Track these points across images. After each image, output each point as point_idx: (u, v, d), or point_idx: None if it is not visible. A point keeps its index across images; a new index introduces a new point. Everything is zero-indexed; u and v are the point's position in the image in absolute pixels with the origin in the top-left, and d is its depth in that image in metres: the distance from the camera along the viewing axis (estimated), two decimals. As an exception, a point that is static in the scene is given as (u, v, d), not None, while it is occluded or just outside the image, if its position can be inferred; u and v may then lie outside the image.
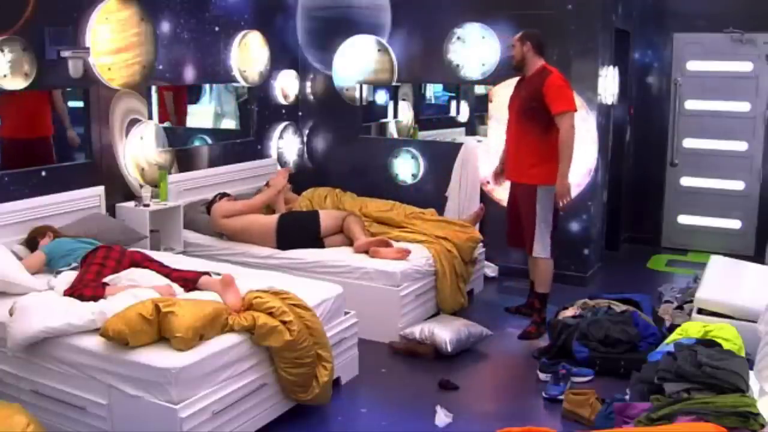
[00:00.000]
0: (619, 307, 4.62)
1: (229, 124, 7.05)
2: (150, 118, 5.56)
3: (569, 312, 4.71)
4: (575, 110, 4.70)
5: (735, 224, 7.04)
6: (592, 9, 5.83)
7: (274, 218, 5.32)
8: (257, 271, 4.43)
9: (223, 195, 5.58)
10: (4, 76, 4.44)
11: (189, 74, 5.85)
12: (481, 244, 5.64)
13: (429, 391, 4.09)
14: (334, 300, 4.04)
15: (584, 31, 5.83)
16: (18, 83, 4.53)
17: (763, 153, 6.81)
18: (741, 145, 6.91)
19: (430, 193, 6.42)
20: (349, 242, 5.20)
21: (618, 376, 4.12)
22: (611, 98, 6.46)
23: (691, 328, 3.75)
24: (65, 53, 4.72)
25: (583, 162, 5.89)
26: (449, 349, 4.46)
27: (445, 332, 4.51)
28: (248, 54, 6.32)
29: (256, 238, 5.26)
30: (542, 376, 4.21)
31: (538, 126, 4.72)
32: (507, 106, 5.04)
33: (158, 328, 3.26)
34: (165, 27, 5.57)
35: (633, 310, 4.55)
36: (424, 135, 7.71)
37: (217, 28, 6.05)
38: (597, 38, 5.86)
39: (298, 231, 5.23)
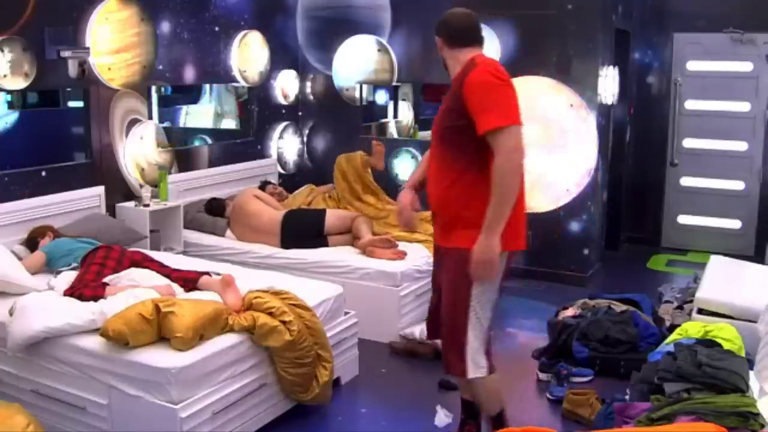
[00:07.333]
0: (619, 307, 4.62)
1: (229, 124, 7.05)
2: (150, 118, 5.56)
3: (569, 312, 4.71)
4: (519, 123, 2.84)
5: (735, 224, 7.03)
6: (592, 9, 5.83)
7: (281, 212, 5.41)
8: (257, 271, 4.43)
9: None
10: (4, 76, 4.44)
11: (189, 74, 5.85)
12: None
13: (429, 391, 4.09)
14: (334, 300, 4.04)
15: (584, 31, 5.83)
16: (18, 83, 4.53)
17: (763, 153, 6.81)
18: (741, 145, 6.91)
19: (430, 193, 6.41)
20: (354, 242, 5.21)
21: (618, 376, 4.11)
22: (611, 98, 6.46)
23: (691, 328, 3.76)
24: (65, 53, 4.72)
25: (583, 162, 5.90)
26: (449, 349, 4.45)
27: (445, 332, 4.51)
28: (248, 54, 6.31)
29: (263, 225, 5.30)
30: (542, 376, 4.21)
31: (462, 155, 2.94)
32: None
33: (158, 328, 3.26)
34: (165, 27, 5.56)
35: (633, 310, 4.55)
36: (425, 135, 7.70)
37: (217, 28, 6.05)
38: (597, 38, 5.86)
39: (302, 225, 5.29)
